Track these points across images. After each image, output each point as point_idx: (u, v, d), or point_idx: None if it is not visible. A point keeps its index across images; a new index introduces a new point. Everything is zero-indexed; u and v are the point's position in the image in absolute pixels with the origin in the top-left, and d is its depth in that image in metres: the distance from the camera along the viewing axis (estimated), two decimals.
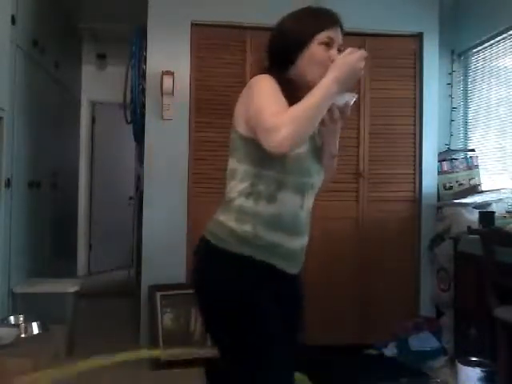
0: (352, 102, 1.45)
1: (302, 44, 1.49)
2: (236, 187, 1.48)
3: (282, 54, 1.52)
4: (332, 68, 1.37)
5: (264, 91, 1.42)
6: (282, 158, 1.42)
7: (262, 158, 1.43)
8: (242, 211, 1.46)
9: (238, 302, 1.44)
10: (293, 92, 1.45)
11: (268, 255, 1.46)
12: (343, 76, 1.35)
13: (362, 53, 1.38)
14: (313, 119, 1.35)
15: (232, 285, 1.45)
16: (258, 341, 1.42)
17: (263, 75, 1.48)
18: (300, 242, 1.53)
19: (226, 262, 1.46)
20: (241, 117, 1.48)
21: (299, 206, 1.49)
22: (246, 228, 1.44)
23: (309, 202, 1.53)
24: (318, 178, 1.56)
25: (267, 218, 1.45)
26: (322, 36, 1.48)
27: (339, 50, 1.49)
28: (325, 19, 1.51)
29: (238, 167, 1.49)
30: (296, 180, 1.48)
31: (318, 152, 1.56)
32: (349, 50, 1.39)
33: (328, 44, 1.49)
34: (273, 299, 1.48)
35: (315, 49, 1.49)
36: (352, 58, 1.36)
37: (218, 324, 1.48)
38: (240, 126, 1.49)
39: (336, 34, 1.50)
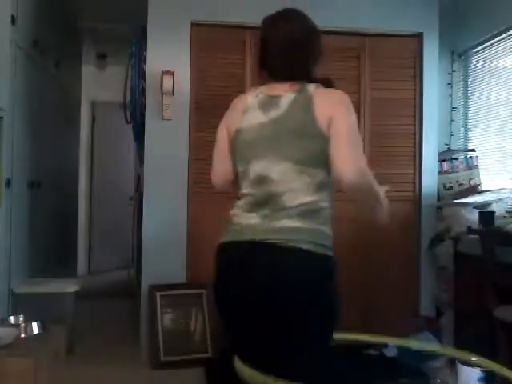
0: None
1: None
2: (327, 198, 1.62)
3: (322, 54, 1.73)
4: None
5: (356, 124, 1.55)
6: None
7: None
8: (330, 219, 1.63)
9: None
10: None
11: None
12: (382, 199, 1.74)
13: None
14: (368, 190, 1.66)
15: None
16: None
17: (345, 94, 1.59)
18: None
19: (335, 270, 1.67)
20: (326, 125, 1.52)
21: None
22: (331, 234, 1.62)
23: None
24: None
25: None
26: None
27: None
28: None
29: (329, 181, 1.61)
30: None
31: None
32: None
33: None
34: None
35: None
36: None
37: (319, 331, 1.60)
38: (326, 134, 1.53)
39: None
